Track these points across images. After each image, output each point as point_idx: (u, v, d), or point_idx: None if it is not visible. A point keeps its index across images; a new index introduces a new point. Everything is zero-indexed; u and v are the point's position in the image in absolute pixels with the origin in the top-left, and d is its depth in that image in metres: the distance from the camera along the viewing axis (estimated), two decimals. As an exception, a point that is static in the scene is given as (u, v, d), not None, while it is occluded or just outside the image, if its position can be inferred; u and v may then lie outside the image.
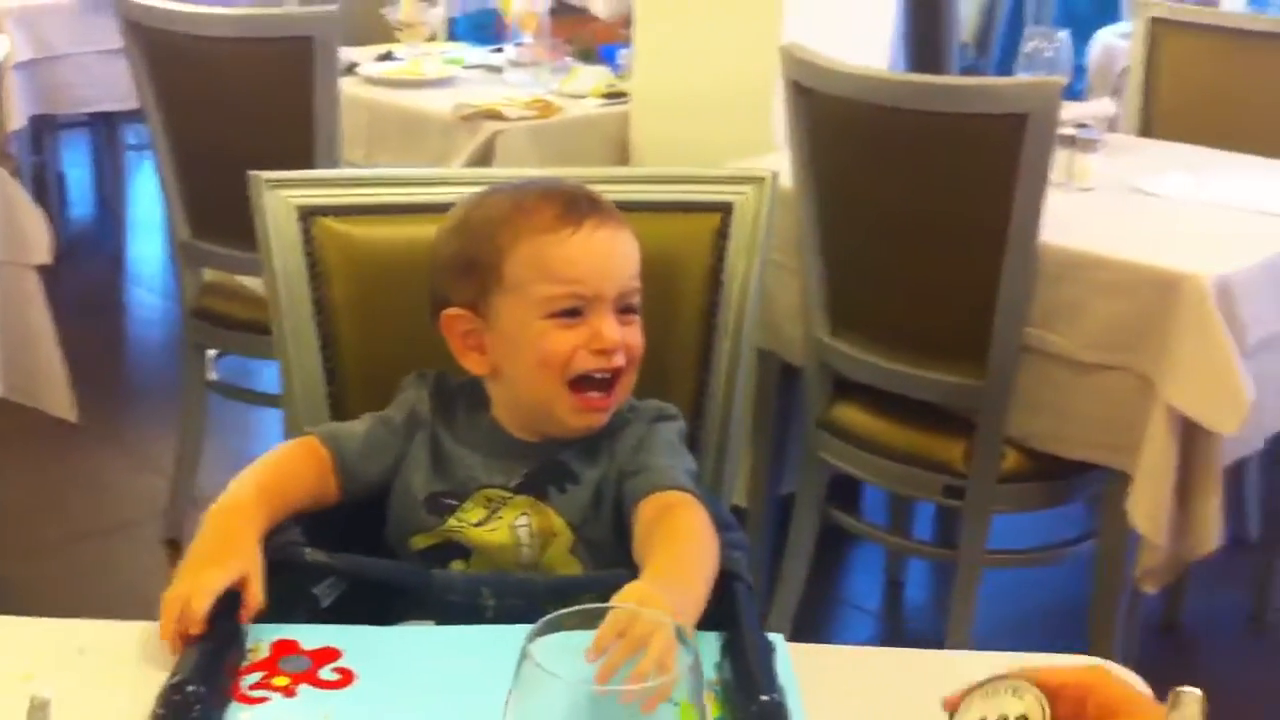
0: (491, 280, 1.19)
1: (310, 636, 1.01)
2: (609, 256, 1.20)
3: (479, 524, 1.18)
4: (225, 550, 1.04)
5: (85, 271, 4.47)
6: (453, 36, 3.70)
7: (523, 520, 1.18)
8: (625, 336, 1.19)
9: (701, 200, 1.43)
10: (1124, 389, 2.05)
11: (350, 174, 1.42)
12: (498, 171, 1.39)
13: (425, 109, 2.96)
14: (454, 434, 1.23)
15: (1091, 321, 2.06)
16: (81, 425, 2.58)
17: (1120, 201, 2.34)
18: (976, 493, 2.15)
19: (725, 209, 1.42)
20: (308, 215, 1.37)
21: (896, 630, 2.68)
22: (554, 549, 1.18)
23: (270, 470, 1.17)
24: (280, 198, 1.36)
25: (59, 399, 2.33)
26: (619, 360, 1.19)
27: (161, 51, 2.64)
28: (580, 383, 1.18)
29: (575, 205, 1.21)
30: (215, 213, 2.71)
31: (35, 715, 0.81)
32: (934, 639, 2.31)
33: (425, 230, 1.34)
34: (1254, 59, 3.13)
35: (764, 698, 0.94)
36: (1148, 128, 3.15)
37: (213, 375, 2.89)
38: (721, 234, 1.42)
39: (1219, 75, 3.16)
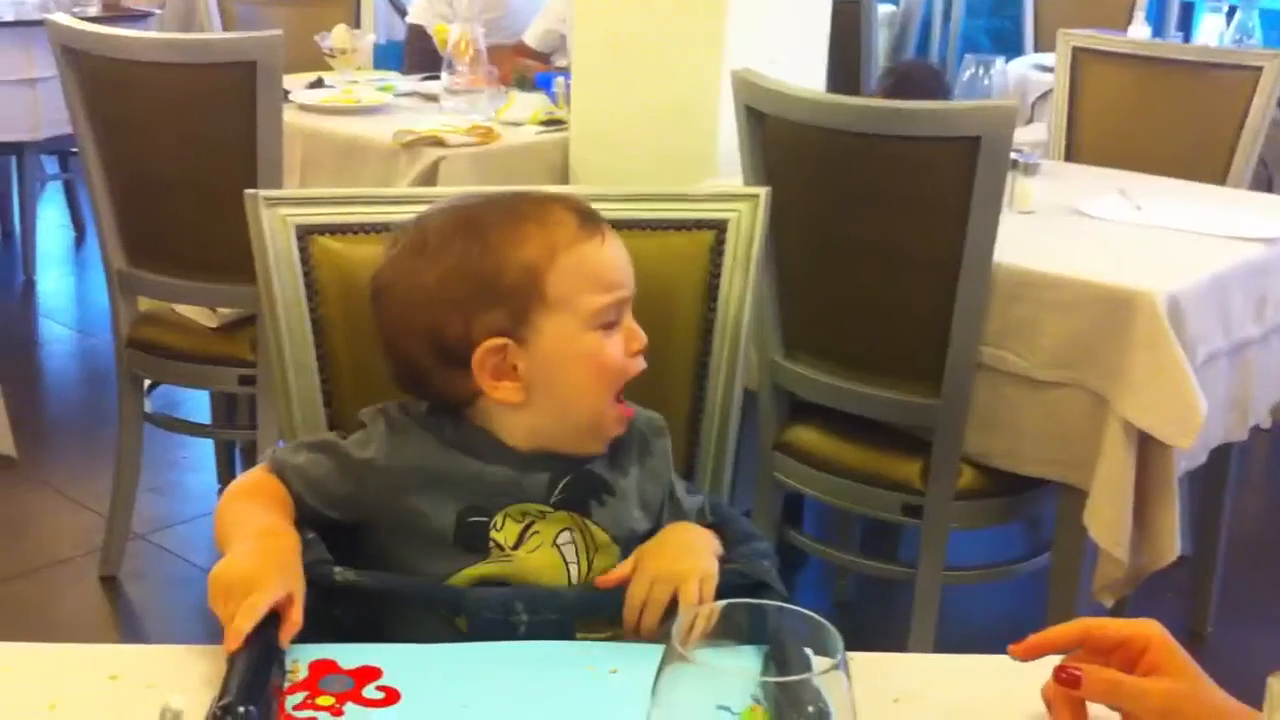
0: (531, 301, 1.14)
1: (348, 656, 1.00)
2: (628, 258, 1.20)
3: (517, 545, 1.14)
4: (273, 571, 1.01)
5: (-5, 307, 4.36)
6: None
7: (566, 537, 1.16)
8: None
9: (696, 218, 1.44)
10: (1077, 405, 2.10)
11: (347, 193, 1.40)
12: (502, 189, 1.36)
13: (363, 136, 2.94)
14: (460, 454, 1.16)
15: (1045, 339, 2.11)
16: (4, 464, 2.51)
17: (1063, 224, 2.40)
18: (934, 510, 2.18)
19: (720, 226, 1.43)
20: (305, 234, 1.35)
21: (850, 648, 2.70)
22: (599, 564, 1.16)
23: (270, 495, 1.14)
24: (278, 216, 1.34)
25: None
26: (643, 361, 1.19)
27: (98, 78, 2.59)
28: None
29: (588, 212, 1.19)
30: (153, 241, 2.66)
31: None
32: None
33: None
34: (1168, 85, 3.25)
35: (810, 708, 0.94)
36: (1072, 152, 3.24)
37: (146, 407, 2.83)
38: (716, 251, 1.43)
39: (1137, 101, 3.27)
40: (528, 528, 1.15)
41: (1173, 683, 0.88)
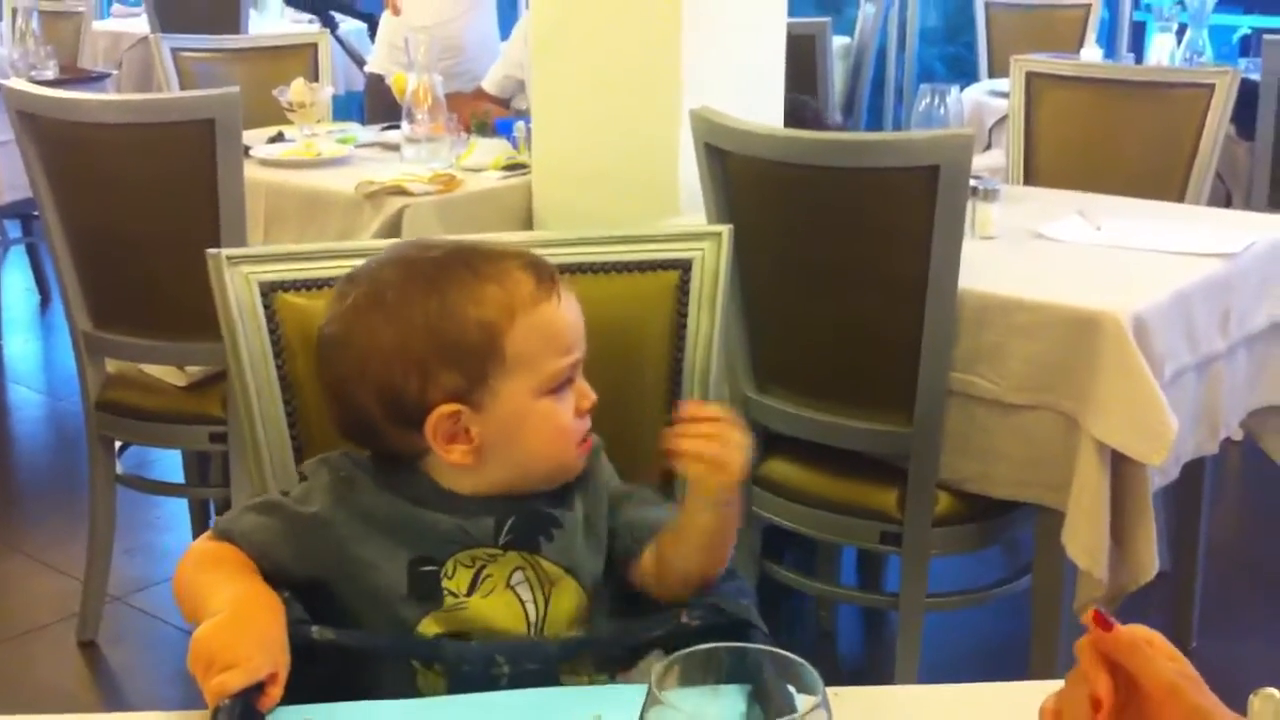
0: (490, 363, 1.13)
1: (325, 716, 0.99)
2: (580, 316, 1.19)
3: (470, 591, 1.13)
4: (257, 646, 1.00)
5: (-39, 373, 4.33)
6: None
7: (519, 576, 1.15)
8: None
9: (660, 259, 1.44)
10: (1049, 427, 2.10)
11: (308, 248, 1.40)
12: (452, 240, 1.36)
13: (325, 188, 2.94)
14: (404, 503, 1.15)
15: (1013, 363, 2.12)
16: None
17: (1025, 247, 2.42)
18: (913, 538, 2.19)
19: (684, 265, 1.44)
20: (268, 290, 1.35)
21: (836, 679, 2.70)
22: (556, 599, 1.16)
23: (232, 560, 1.13)
24: (241, 274, 1.34)
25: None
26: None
27: (56, 141, 2.58)
28: None
29: (540, 268, 1.18)
30: (117, 302, 2.65)
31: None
32: (877, 685, 2.32)
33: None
34: (1123, 106, 3.29)
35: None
36: (1031, 176, 3.27)
37: (118, 469, 2.81)
38: (682, 290, 1.44)
39: (1092, 123, 3.30)
40: (479, 572, 1.14)
41: (1183, 667, 0.89)
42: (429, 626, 1.13)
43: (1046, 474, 2.10)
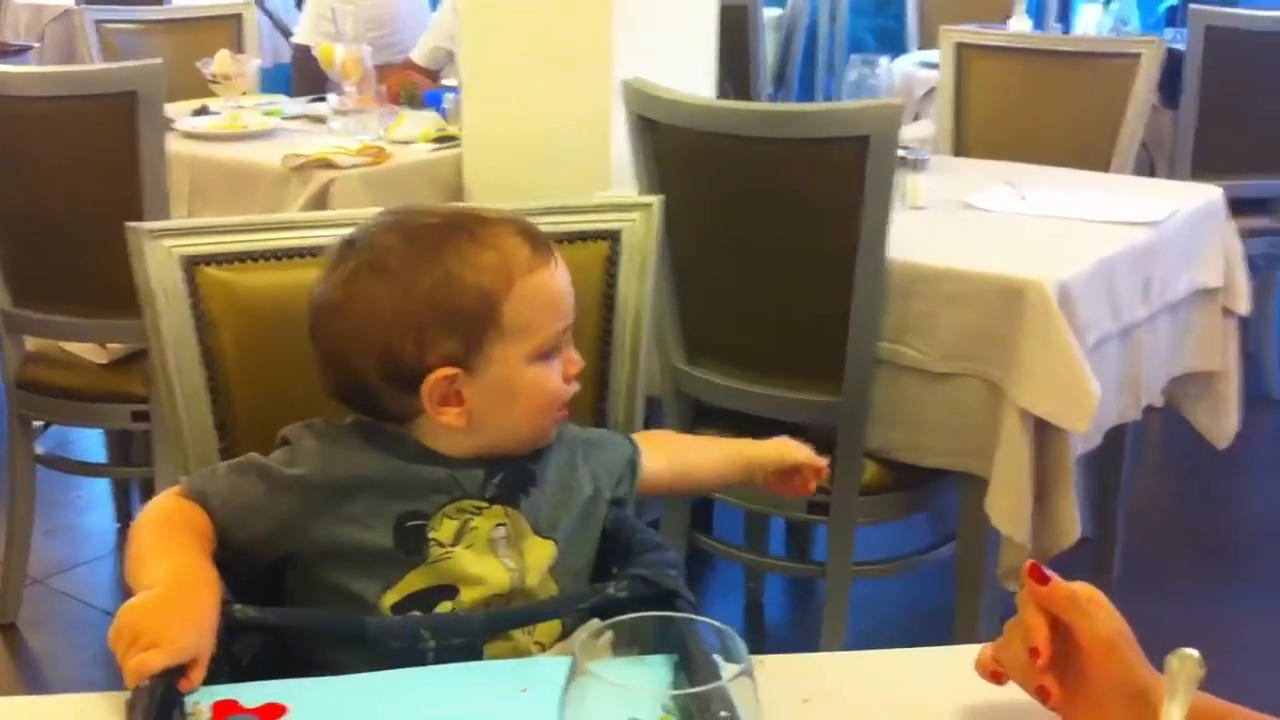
0: (486, 329, 1.15)
1: (250, 694, 0.98)
2: (570, 284, 1.21)
3: (456, 542, 1.14)
4: (184, 627, 0.98)
5: None
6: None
7: (500, 531, 1.16)
8: None
9: (591, 229, 1.44)
10: (975, 395, 2.13)
11: (232, 221, 1.38)
12: (448, 206, 1.36)
13: (251, 161, 2.90)
14: (395, 460, 1.16)
15: (941, 332, 2.14)
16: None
17: (954, 217, 2.44)
18: (841, 507, 2.20)
19: (614, 236, 1.44)
20: (191, 265, 1.33)
21: (764, 649, 2.72)
22: (530, 554, 1.17)
23: (189, 526, 1.11)
24: (163, 248, 1.32)
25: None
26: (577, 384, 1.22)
27: (-22, 115, 2.53)
28: None
29: (534, 235, 1.20)
30: (37, 279, 2.61)
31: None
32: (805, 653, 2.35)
33: (312, 274, 1.31)
34: (1051, 76, 3.32)
35: (724, 714, 0.95)
36: (961, 147, 3.30)
37: (38, 448, 2.77)
38: (611, 261, 1.43)
39: (1020, 93, 3.33)
40: (465, 524, 1.15)
41: (1121, 625, 0.91)
42: (415, 581, 1.13)
43: (972, 442, 2.13)
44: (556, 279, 1.18)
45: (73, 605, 2.85)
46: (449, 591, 1.13)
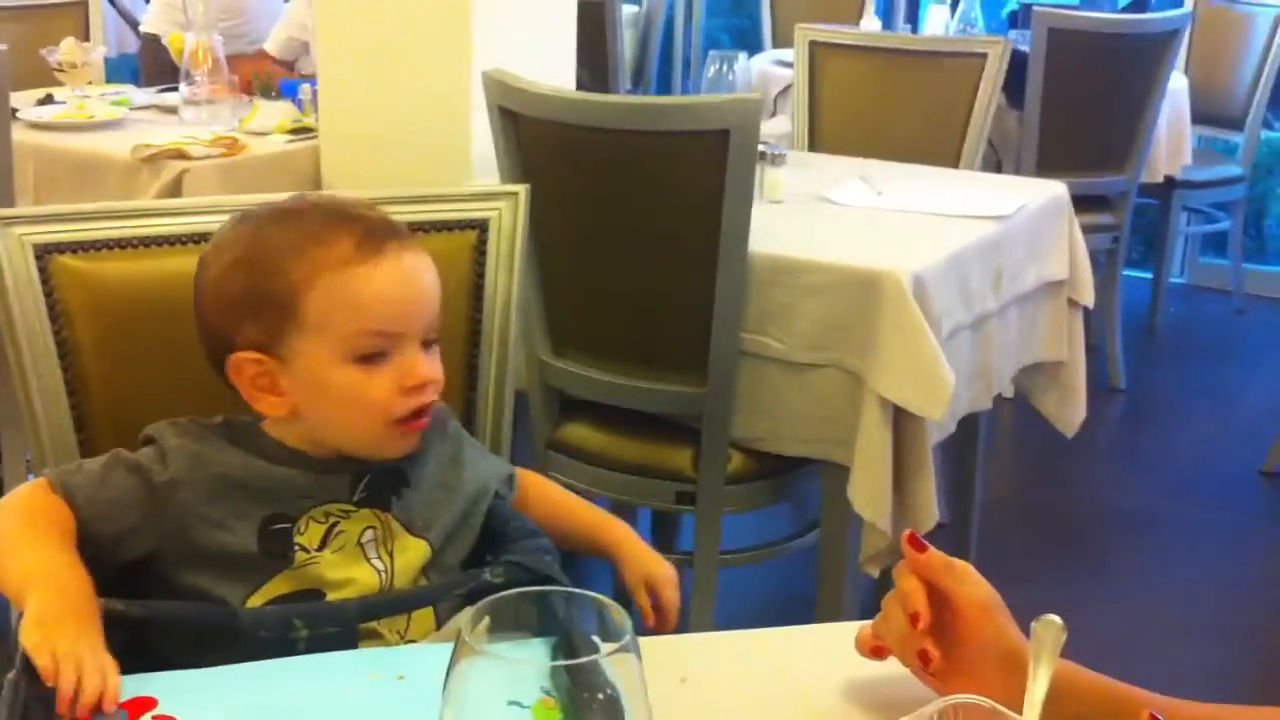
0: (287, 319, 1.11)
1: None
2: (416, 289, 1.14)
3: (322, 546, 1.12)
4: (91, 637, 0.95)
5: None
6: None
7: (369, 535, 1.14)
8: (432, 371, 1.15)
9: (457, 218, 1.43)
10: (835, 385, 2.17)
11: (87, 208, 1.34)
12: (246, 197, 1.33)
13: (99, 152, 2.82)
14: (257, 460, 1.13)
15: (801, 323, 2.17)
16: None
17: (811, 211, 2.48)
18: (707, 496, 2.23)
19: (481, 225, 1.43)
20: (44, 253, 1.28)
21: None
22: (401, 555, 1.15)
23: (52, 521, 1.08)
24: (13, 236, 1.27)
25: None
26: (430, 395, 1.15)
27: None
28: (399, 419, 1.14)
29: (374, 232, 1.14)
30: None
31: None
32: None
33: (172, 263, 1.29)
34: (901, 74, 3.40)
35: (603, 695, 0.95)
36: (815, 142, 3.36)
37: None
38: (479, 250, 1.43)
39: (872, 91, 3.41)
40: (332, 528, 1.13)
41: (992, 592, 0.94)
42: (279, 586, 1.11)
43: (833, 430, 2.17)
44: (377, 281, 1.12)
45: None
46: (314, 596, 1.12)
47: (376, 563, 1.14)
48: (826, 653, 1.02)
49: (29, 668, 0.91)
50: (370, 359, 1.12)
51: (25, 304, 1.28)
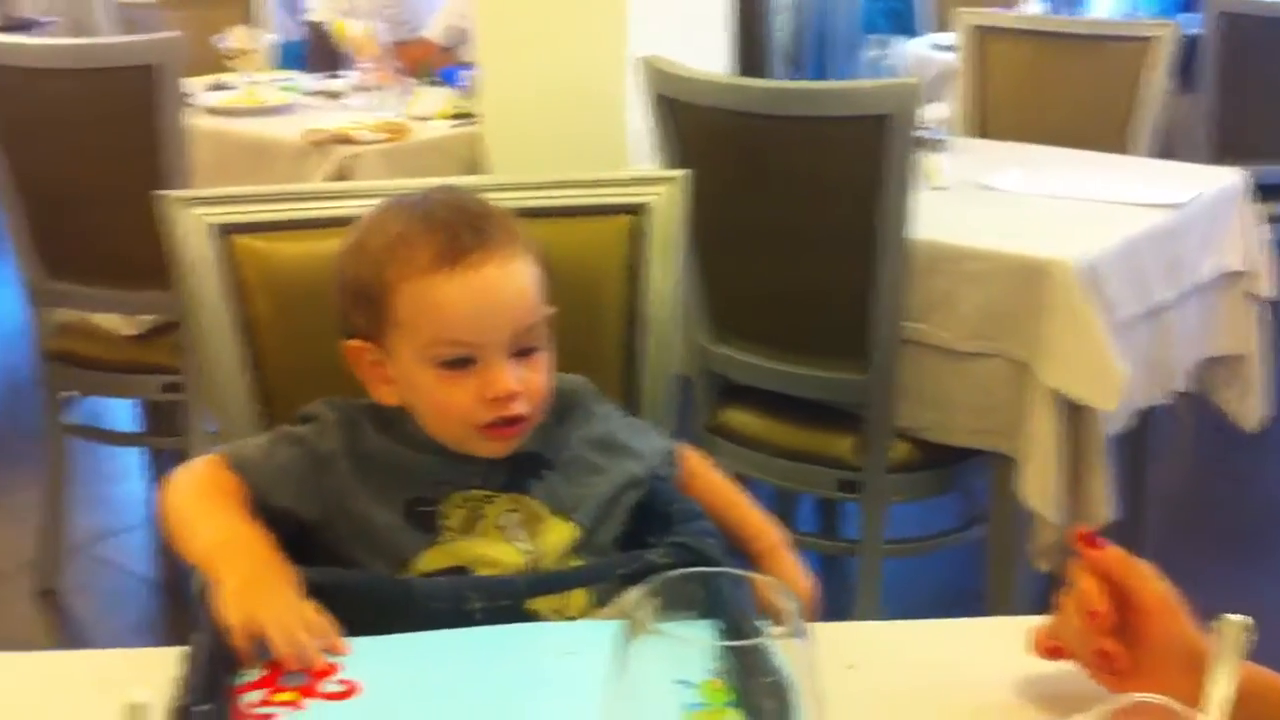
0: (385, 314, 1.14)
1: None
2: (494, 301, 1.12)
3: (465, 532, 1.14)
4: (284, 599, 0.99)
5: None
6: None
7: (511, 518, 1.15)
8: (524, 380, 1.13)
9: (615, 203, 1.42)
10: (1001, 374, 2.12)
11: (262, 190, 1.37)
12: (411, 181, 1.35)
13: (271, 136, 2.90)
14: (400, 445, 1.16)
15: (964, 311, 2.13)
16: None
17: (973, 197, 2.43)
18: (871, 485, 2.20)
19: (639, 210, 1.42)
20: (223, 233, 1.32)
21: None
22: (545, 537, 1.16)
23: (230, 493, 1.11)
24: (194, 216, 1.31)
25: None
26: (518, 408, 1.13)
27: (1, 89, 2.52)
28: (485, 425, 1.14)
29: (456, 240, 1.12)
30: (67, 252, 2.62)
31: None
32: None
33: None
34: (1065, 58, 3.31)
35: (771, 678, 0.94)
36: (978, 128, 3.29)
37: (73, 418, 2.78)
38: (637, 235, 1.42)
39: (1036, 75, 3.32)
40: (473, 512, 1.15)
41: (1171, 588, 0.92)
42: (430, 561, 1.12)
43: (1000, 421, 2.12)
44: (454, 291, 1.11)
45: (111, 572, 2.87)
46: (462, 573, 1.13)
47: (521, 545, 1.15)
48: (997, 645, 1.00)
49: (214, 627, 0.94)
50: (454, 365, 1.13)
51: (205, 282, 1.31)
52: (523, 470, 1.17)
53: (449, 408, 1.13)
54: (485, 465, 1.15)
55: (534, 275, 1.16)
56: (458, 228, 1.14)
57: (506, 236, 1.15)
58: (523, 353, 1.14)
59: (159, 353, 2.61)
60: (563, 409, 1.21)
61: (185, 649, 0.93)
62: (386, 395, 1.17)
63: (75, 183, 2.53)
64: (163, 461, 3.08)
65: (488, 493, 1.15)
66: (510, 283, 1.14)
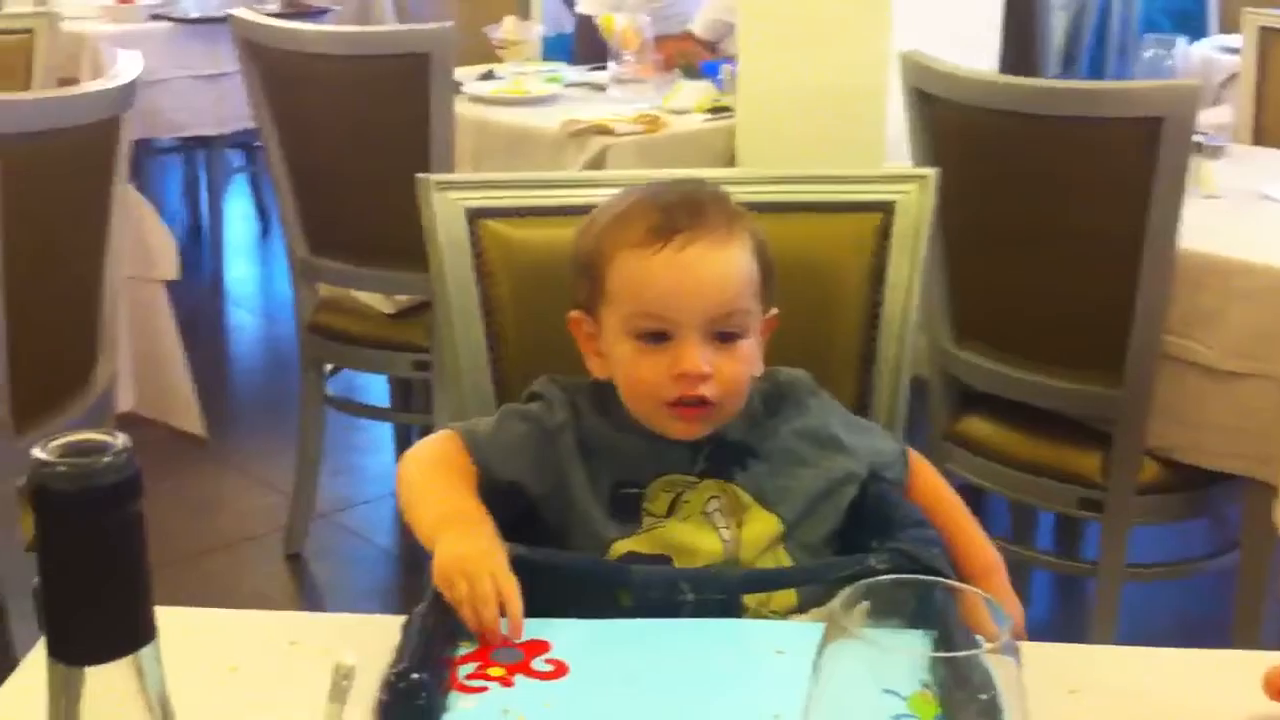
0: (600, 286, 1.19)
1: (515, 628, 1.01)
2: (692, 280, 1.14)
3: (669, 514, 1.16)
4: (488, 567, 1.02)
5: (185, 294, 4.53)
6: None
7: (714, 505, 1.17)
8: (716, 365, 1.14)
9: (863, 200, 1.42)
10: (1265, 398, 2.01)
11: (512, 177, 1.43)
12: (649, 172, 1.37)
13: (532, 126, 2.97)
14: (610, 427, 1.19)
15: (1230, 329, 2.03)
16: (195, 443, 2.64)
17: (1249, 208, 2.31)
18: (1116, 505, 2.12)
19: (887, 208, 1.41)
20: (474, 217, 1.37)
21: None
22: (748, 528, 1.16)
23: (459, 470, 1.16)
24: (449, 200, 1.36)
25: (189, 415, 2.35)
26: (705, 391, 1.14)
27: (278, 72, 2.67)
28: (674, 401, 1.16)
29: (670, 219, 1.15)
30: (331, 230, 2.74)
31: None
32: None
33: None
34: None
35: (983, 696, 0.92)
36: (1260, 135, 3.11)
37: (327, 391, 2.92)
38: (883, 233, 1.41)
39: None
40: (678, 497, 1.16)
41: None
42: (631, 544, 1.15)
43: (1260, 446, 2.01)
44: (654, 267, 1.14)
45: (354, 540, 3.01)
46: (661, 561, 1.14)
47: (724, 532, 1.15)
48: (1231, 680, 0.95)
49: (436, 600, 0.98)
50: (650, 338, 1.15)
51: (456, 262, 1.37)
52: (727, 458, 1.18)
53: (640, 381, 1.16)
54: (689, 450, 1.17)
55: (745, 264, 1.17)
56: (676, 208, 1.17)
57: (723, 221, 1.18)
58: (722, 338, 1.16)
59: (413, 331, 2.72)
60: (776, 400, 1.22)
61: (406, 618, 0.97)
62: (598, 368, 1.21)
63: (344, 164, 2.65)
64: (410, 436, 3.21)
65: (691, 478, 1.17)
66: (715, 266, 1.16)
